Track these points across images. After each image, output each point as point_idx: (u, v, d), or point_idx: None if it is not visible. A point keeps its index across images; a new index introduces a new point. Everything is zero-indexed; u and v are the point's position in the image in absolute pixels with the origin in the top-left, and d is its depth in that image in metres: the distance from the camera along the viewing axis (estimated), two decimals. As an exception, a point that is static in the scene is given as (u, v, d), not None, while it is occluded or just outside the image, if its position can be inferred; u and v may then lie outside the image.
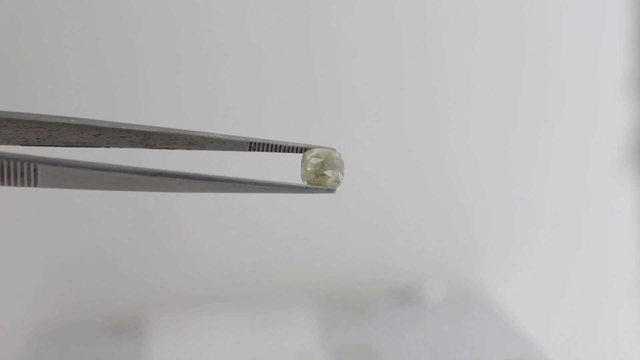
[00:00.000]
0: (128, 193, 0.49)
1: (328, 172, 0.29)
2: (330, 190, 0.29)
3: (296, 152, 0.29)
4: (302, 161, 0.29)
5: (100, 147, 0.28)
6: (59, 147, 0.28)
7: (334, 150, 0.29)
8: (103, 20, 0.47)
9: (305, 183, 0.29)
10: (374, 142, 0.50)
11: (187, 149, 0.29)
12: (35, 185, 0.25)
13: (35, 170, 0.24)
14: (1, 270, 0.49)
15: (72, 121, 0.27)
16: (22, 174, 0.24)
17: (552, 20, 0.50)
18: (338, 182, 0.29)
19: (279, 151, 0.29)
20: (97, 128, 0.28)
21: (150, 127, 0.28)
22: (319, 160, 0.29)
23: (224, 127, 0.47)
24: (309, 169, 0.29)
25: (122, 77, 0.48)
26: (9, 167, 0.24)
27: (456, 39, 0.50)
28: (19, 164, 0.24)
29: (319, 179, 0.29)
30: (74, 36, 0.47)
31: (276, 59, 0.49)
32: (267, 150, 0.29)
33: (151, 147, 0.29)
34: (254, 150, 0.29)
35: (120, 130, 0.28)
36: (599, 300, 0.54)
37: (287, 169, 0.32)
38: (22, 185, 0.25)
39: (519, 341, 0.43)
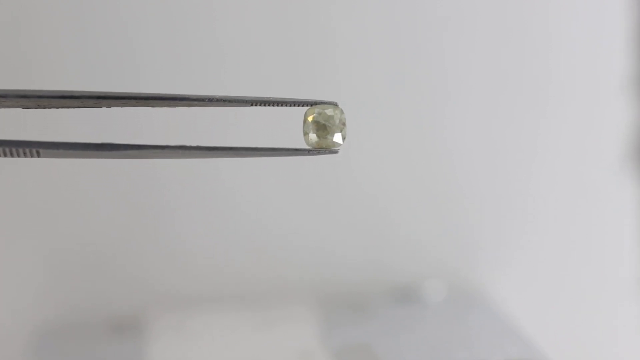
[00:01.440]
0: (128, 193, 0.49)
1: (330, 135, 0.29)
2: (333, 151, 0.29)
3: (298, 106, 0.29)
4: (304, 122, 0.29)
5: (101, 107, 0.28)
6: (59, 110, 0.28)
7: (336, 106, 0.29)
8: (102, 20, 0.47)
9: (308, 144, 0.29)
10: (373, 141, 0.50)
11: (189, 106, 0.29)
12: (38, 157, 0.26)
13: (38, 151, 0.25)
14: (1, 269, 0.49)
15: (69, 94, 0.28)
16: (24, 153, 0.26)
17: (552, 20, 0.50)
18: (340, 143, 0.29)
19: (281, 106, 0.29)
20: (98, 97, 0.28)
21: (151, 94, 0.28)
22: (321, 123, 0.29)
23: (222, 128, 0.48)
24: (310, 132, 0.29)
25: (122, 75, 0.48)
26: (11, 150, 0.25)
27: (456, 38, 0.50)
28: (21, 150, 0.25)
29: (321, 141, 0.29)
30: (73, 36, 0.47)
31: (274, 58, 0.49)
32: (269, 106, 0.29)
33: (152, 106, 0.29)
34: (256, 105, 0.29)
35: (122, 98, 0.28)
36: (598, 299, 0.54)
37: (290, 129, 0.32)
38: (26, 157, 0.26)
39: (519, 340, 0.43)
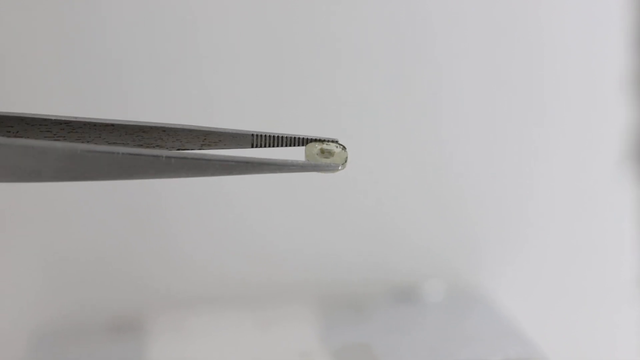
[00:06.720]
0: (128, 194, 0.49)
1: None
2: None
3: (299, 145, 0.29)
4: (306, 154, 0.29)
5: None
6: None
7: (337, 145, 0.29)
8: (93, 22, 0.47)
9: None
10: (372, 143, 0.50)
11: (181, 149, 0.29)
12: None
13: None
14: (1, 270, 0.49)
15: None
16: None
17: (551, 20, 0.50)
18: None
19: (282, 146, 0.29)
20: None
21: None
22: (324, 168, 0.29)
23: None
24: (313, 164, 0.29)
25: (113, 78, 0.48)
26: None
27: (453, 41, 0.50)
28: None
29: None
30: (63, 39, 0.47)
31: (267, 57, 0.49)
32: (269, 145, 0.29)
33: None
34: (257, 146, 0.29)
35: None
36: (597, 300, 0.54)
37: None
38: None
39: (519, 340, 0.43)
